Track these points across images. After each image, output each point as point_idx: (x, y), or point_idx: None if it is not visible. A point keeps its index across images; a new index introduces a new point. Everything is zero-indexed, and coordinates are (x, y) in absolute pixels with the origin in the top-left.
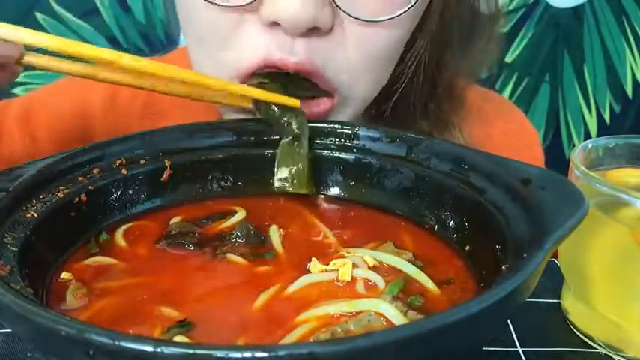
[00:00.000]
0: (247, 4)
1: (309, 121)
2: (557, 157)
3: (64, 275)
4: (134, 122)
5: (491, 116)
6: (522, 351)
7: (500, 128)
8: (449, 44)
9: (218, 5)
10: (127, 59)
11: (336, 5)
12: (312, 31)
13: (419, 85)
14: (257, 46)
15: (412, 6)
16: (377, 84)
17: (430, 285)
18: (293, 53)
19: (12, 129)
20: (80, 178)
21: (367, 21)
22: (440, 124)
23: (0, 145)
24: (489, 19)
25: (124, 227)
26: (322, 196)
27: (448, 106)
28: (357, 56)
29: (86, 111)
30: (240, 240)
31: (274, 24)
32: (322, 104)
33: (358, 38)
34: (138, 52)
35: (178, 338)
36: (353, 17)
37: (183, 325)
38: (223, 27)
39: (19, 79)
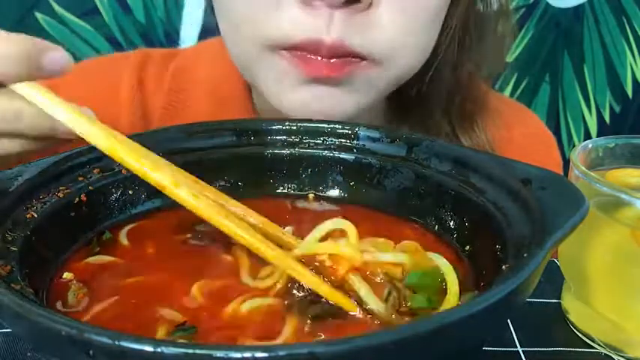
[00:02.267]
0: None
1: (309, 120)
2: None
3: (66, 276)
4: (158, 111)
5: (510, 119)
6: (522, 351)
7: (519, 131)
8: (465, 40)
9: None
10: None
11: None
12: (351, 4)
13: (446, 74)
14: (295, 23)
15: None
16: (416, 60)
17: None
18: (329, 32)
19: None
20: (80, 178)
21: None
22: (465, 124)
23: None
24: (499, 16)
25: (126, 227)
26: (322, 196)
27: (471, 106)
28: (397, 28)
29: (113, 96)
30: None
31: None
32: (346, 66)
33: (398, 9)
34: None
35: (180, 339)
36: None
37: (186, 330)
38: (260, 6)
39: None
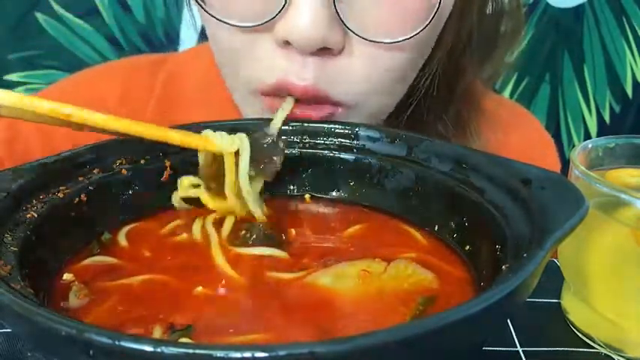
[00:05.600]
0: (260, 25)
1: (310, 121)
2: None
3: (66, 277)
4: (149, 119)
5: (507, 123)
6: (522, 351)
7: (517, 135)
8: (467, 53)
9: (231, 25)
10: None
11: (347, 27)
12: (324, 51)
13: (433, 95)
14: (270, 66)
15: (425, 27)
16: (390, 101)
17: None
18: (302, 77)
19: (28, 127)
20: (80, 178)
21: (379, 42)
22: (458, 130)
23: (16, 142)
24: (512, 33)
25: (126, 227)
26: (322, 197)
27: (466, 113)
28: (368, 77)
29: (99, 110)
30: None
31: (287, 43)
32: (325, 110)
33: (370, 59)
34: (138, 52)
35: (180, 338)
36: (364, 39)
37: (184, 329)
38: (237, 46)
39: (19, 79)
